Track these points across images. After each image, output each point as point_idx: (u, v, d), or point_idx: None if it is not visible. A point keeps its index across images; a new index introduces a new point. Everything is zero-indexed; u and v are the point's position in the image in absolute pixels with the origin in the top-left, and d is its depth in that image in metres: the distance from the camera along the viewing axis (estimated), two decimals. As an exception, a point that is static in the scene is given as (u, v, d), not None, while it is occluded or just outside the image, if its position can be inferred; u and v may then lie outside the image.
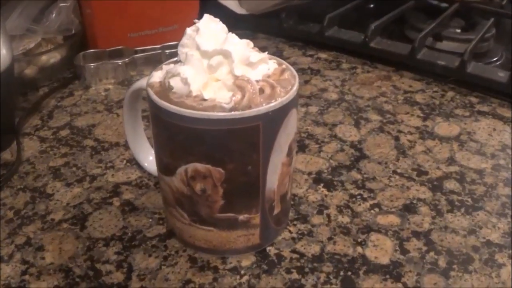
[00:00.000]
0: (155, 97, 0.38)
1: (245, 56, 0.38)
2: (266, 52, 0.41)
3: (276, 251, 0.44)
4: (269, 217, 0.42)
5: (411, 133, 0.57)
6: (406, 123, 0.59)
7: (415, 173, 0.52)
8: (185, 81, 0.37)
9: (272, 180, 0.40)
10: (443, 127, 0.58)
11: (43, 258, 0.43)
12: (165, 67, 0.41)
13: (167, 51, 0.70)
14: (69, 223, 0.47)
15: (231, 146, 0.37)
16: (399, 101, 0.63)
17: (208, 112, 0.36)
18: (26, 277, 0.42)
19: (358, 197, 0.49)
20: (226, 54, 0.38)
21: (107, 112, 0.63)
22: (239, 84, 0.37)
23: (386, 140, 0.56)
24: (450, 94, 0.65)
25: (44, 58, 0.67)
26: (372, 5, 0.83)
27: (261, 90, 0.37)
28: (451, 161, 0.53)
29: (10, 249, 0.44)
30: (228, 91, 0.37)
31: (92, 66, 0.67)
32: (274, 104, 0.37)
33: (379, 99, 0.63)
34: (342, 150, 0.55)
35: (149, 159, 0.50)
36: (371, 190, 0.50)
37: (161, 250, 0.44)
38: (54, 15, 0.65)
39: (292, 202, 0.48)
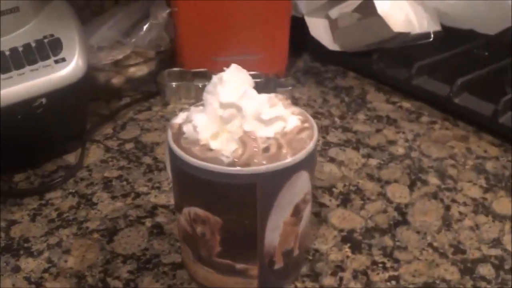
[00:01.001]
0: (169, 138, 0.40)
1: (257, 112, 0.38)
2: (292, 109, 0.41)
3: (274, 305, 0.43)
4: (269, 271, 0.42)
5: (465, 205, 0.53)
6: (464, 192, 0.55)
7: (451, 250, 0.48)
8: (195, 129, 0.38)
9: (272, 236, 0.40)
10: (502, 203, 0.53)
11: (66, 261, 0.47)
12: (193, 109, 0.42)
13: (258, 80, 0.71)
14: (100, 234, 0.50)
15: (227, 199, 0.38)
16: (466, 167, 0.59)
17: (206, 163, 0.37)
18: (46, 275, 0.46)
19: (380, 265, 0.47)
20: (238, 108, 0.38)
21: (176, 131, 0.66)
22: (243, 140, 0.37)
23: (435, 208, 0.53)
24: (527, 168, 0.59)
25: (132, 70, 0.72)
26: (475, 51, 0.77)
27: (266, 149, 0.37)
28: (496, 243, 0.49)
29: (42, 246, 0.49)
30: (234, 145, 0.38)
31: (173, 85, 0.71)
32: (274, 165, 0.37)
33: (446, 162, 0.59)
34: (385, 211, 0.53)
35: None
36: (396, 260, 0.47)
37: (169, 278, 0.46)
38: (145, 30, 0.70)
39: (310, 257, 0.47)
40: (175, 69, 0.73)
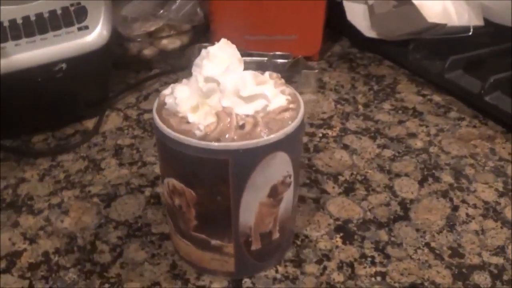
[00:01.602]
0: (154, 108, 0.40)
1: (237, 89, 0.38)
2: (282, 88, 0.40)
3: (251, 286, 0.43)
4: (246, 251, 0.42)
5: (475, 207, 0.50)
6: (477, 194, 0.52)
7: (449, 252, 0.46)
8: (174, 100, 0.38)
9: (247, 216, 0.40)
10: (516, 211, 0.50)
11: (62, 221, 0.49)
12: (181, 82, 0.42)
13: (278, 60, 0.71)
14: (99, 198, 0.52)
15: (200, 173, 0.38)
16: (486, 168, 0.55)
17: (179, 135, 0.37)
18: (41, 232, 0.48)
19: (369, 259, 0.45)
20: (218, 83, 0.38)
21: (197, 106, 0.66)
22: (218, 115, 0.37)
23: (442, 207, 0.50)
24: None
25: (164, 42, 0.73)
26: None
27: (242, 126, 0.37)
28: (499, 250, 0.46)
29: (43, 205, 0.51)
30: (211, 120, 0.37)
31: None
32: (245, 143, 0.36)
33: (464, 160, 0.56)
34: (387, 204, 0.51)
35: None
36: (387, 256, 0.45)
37: (154, 248, 0.46)
38: (178, 4, 0.70)
39: (298, 242, 0.47)
40: (205, 44, 0.73)
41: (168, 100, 0.39)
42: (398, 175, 0.55)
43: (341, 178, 0.54)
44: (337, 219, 0.49)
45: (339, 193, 0.52)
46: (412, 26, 0.69)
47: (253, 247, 0.42)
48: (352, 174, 0.55)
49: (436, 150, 0.58)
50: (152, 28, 0.71)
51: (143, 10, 0.70)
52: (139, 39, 0.72)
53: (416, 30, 0.69)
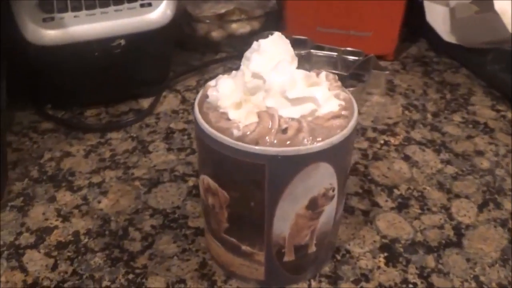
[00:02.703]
0: (197, 99, 0.38)
1: (283, 89, 0.35)
2: (337, 92, 0.37)
3: (280, 297, 0.40)
4: (277, 261, 0.39)
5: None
6: (544, 229, 0.46)
7: (500, 290, 0.41)
8: (216, 95, 0.36)
9: (281, 226, 0.37)
10: None
11: (99, 202, 0.48)
12: (233, 73, 0.40)
13: (349, 57, 0.66)
14: (141, 183, 0.50)
15: (235, 176, 0.35)
16: (562, 201, 0.49)
17: (215, 132, 0.34)
18: (75, 211, 0.47)
19: (411, 286, 0.41)
20: (264, 80, 0.35)
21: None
22: (260, 115, 0.34)
23: (499, 237, 0.45)
24: None
25: (234, 26, 0.70)
26: None
27: (284, 130, 0.34)
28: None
29: (84, 183, 0.50)
30: (254, 119, 0.35)
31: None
32: (284, 149, 0.33)
33: (537, 188, 0.51)
34: (441, 227, 0.46)
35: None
36: (431, 285, 0.41)
37: (186, 243, 0.44)
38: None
39: (338, 257, 0.43)
40: (275, 32, 0.70)
41: (211, 93, 0.36)
42: (457, 196, 0.50)
43: (396, 192, 0.50)
44: (384, 237, 0.45)
45: (391, 208, 0.48)
46: (493, 35, 0.63)
47: (286, 258, 0.39)
48: (409, 188, 0.50)
49: (503, 173, 0.52)
50: (222, 11, 0.69)
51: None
52: (207, 21, 0.70)
53: (497, 39, 0.63)
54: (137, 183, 0.50)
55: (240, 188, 0.36)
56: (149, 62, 0.59)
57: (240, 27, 0.71)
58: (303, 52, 0.68)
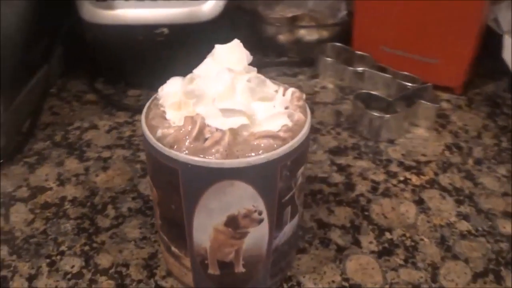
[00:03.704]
0: (155, 95, 0.38)
1: (214, 97, 0.33)
2: (292, 112, 0.35)
3: (206, 310, 0.39)
4: (203, 272, 0.38)
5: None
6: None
7: None
8: (161, 93, 0.36)
9: (200, 236, 0.36)
10: None
11: (96, 176, 0.51)
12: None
13: (404, 82, 0.61)
14: (142, 166, 0.52)
15: (158, 174, 0.35)
16: None
17: (145, 128, 0.35)
18: (74, 178, 0.50)
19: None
20: (199, 86, 0.34)
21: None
22: (185, 119, 0.33)
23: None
24: None
25: (303, 32, 0.69)
26: None
27: (203, 139, 0.33)
28: None
29: (93, 155, 0.54)
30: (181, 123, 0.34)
31: (328, 60, 0.66)
32: (195, 159, 0.32)
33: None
34: (416, 287, 0.41)
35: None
36: None
37: (150, 232, 0.46)
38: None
39: (285, 286, 0.41)
40: (338, 44, 0.67)
41: (160, 90, 0.37)
42: (455, 257, 0.44)
43: (387, 236, 0.46)
44: (346, 279, 0.42)
45: (372, 251, 0.44)
46: None
47: (211, 271, 0.38)
48: (403, 235, 0.46)
49: (527, 246, 0.45)
50: (290, 15, 0.68)
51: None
52: (278, 24, 0.69)
53: None
54: (138, 166, 0.52)
55: (163, 188, 0.36)
56: (193, 54, 0.60)
57: (308, 34, 0.69)
58: (359, 69, 0.64)
